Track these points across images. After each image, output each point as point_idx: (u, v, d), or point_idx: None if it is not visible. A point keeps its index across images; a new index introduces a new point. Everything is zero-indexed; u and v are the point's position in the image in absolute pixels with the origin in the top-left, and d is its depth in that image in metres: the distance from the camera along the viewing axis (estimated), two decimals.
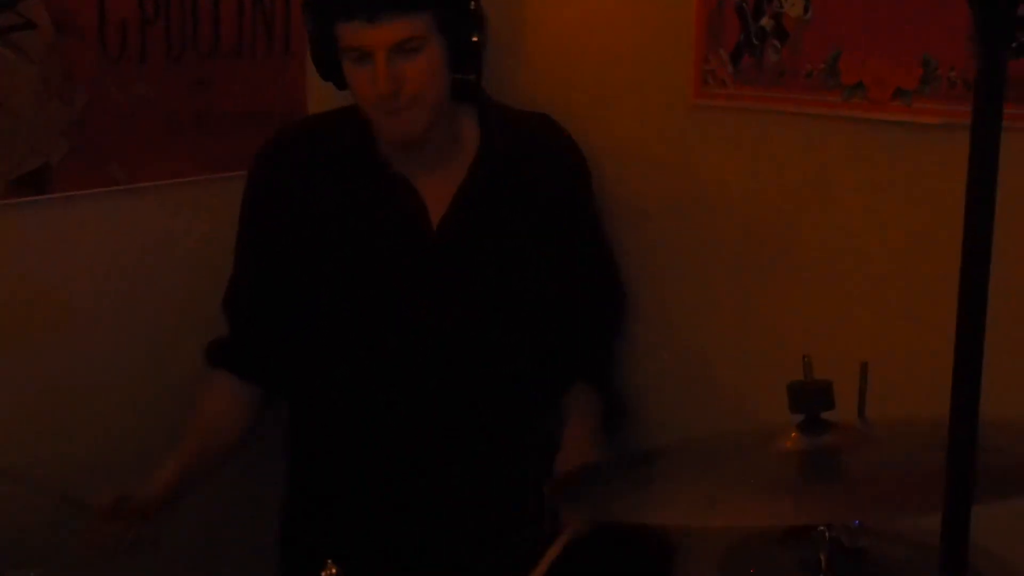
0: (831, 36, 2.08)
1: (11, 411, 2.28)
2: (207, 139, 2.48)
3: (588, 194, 2.37)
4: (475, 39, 2.11)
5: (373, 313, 2.20)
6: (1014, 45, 0.97)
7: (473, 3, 2.11)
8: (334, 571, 1.51)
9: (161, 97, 2.41)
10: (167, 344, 2.43)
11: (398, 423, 2.22)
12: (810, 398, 1.52)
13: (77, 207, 2.32)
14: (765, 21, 2.16)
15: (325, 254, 2.21)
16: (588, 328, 2.36)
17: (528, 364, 2.26)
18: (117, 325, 2.41)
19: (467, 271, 2.21)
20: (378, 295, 2.20)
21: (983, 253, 1.00)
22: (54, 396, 2.34)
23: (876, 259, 2.09)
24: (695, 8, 2.24)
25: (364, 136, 2.18)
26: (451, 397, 2.22)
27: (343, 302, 2.21)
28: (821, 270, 2.16)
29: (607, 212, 2.43)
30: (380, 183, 2.19)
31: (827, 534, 1.52)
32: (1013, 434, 1.44)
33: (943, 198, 1.72)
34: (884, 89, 2.04)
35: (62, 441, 2.30)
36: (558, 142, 2.34)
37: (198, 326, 2.36)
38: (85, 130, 2.32)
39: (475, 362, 2.21)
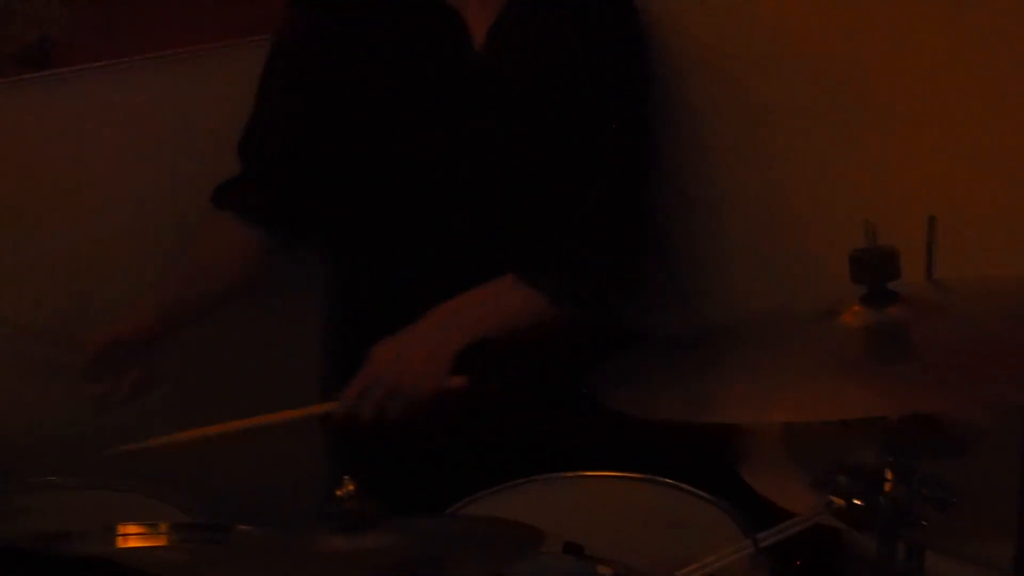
0: None
1: (20, 290, 2.21)
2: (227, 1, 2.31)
3: (634, 32, 2.23)
4: None
5: (409, 139, 2.14)
6: None
7: None
8: (351, 488, 1.38)
9: None
10: (190, 220, 2.28)
11: (430, 253, 2.14)
12: (874, 267, 1.35)
13: (85, 81, 2.20)
14: None
15: (359, 85, 2.14)
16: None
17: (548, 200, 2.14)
18: (134, 203, 2.29)
19: (507, 95, 2.13)
20: (416, 120, 2.14)
21: None
22: (69, 277, 2.25)
23: (951, 107, 1.90)
24: None
25: None
26: (482, 224, 2.13)
27: (379, 129, 2.14)
28: (893, 122, 1.98)
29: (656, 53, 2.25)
30: (420, 9, 2.13)
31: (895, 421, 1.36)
32: None
33: None
34: None
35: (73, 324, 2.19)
36: None
37: None
38: None
39: (503, 191, 2.13)
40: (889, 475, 1.39)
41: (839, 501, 1.40)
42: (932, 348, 1.33)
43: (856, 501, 1.36)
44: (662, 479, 1.75)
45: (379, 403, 1.96)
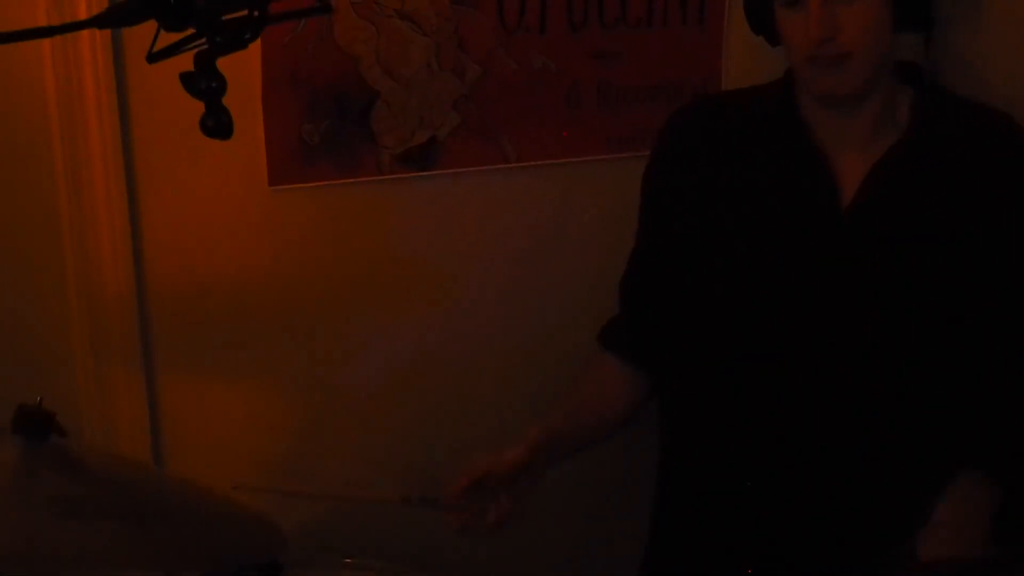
0: None
1: (385, 381, 2.28)
2: (608, 115, 2.32)
3: None
4: None
5: (769, 296, 2.00)
6: None
7: None
8: None
9: (560, 70, 2.27)
10: (551, 329, 2.33)
11: (780, 422, 2.01)
12: None
13: (464, 184, 2.25)
14: None
15: (726, 232, 2.03)
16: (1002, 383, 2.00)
17: (929, 389, 1.98)
18: (500, 305, 2.33)
19: (873, 262, 1.96)
20: (776, 278, 2.00)
21: None
22: (430, 370, 2.31)
23: None
24: None
25: (786, 102, 2.01)
26: (841, 400, 1.98)
27: (739, 284, 2.02)
28: None
29: None
30: (793, 155, 1.99)
31: None
32: None
33: None
34: None
35: (431, 419, 2.28)
36: (1012, 143, 2.01)
37: (587, 312, 2.21)
38: (476, 104, 2.22)
39: (871, 366, 1.96)
40: None
41: None
42: None
43: None
44: None
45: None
